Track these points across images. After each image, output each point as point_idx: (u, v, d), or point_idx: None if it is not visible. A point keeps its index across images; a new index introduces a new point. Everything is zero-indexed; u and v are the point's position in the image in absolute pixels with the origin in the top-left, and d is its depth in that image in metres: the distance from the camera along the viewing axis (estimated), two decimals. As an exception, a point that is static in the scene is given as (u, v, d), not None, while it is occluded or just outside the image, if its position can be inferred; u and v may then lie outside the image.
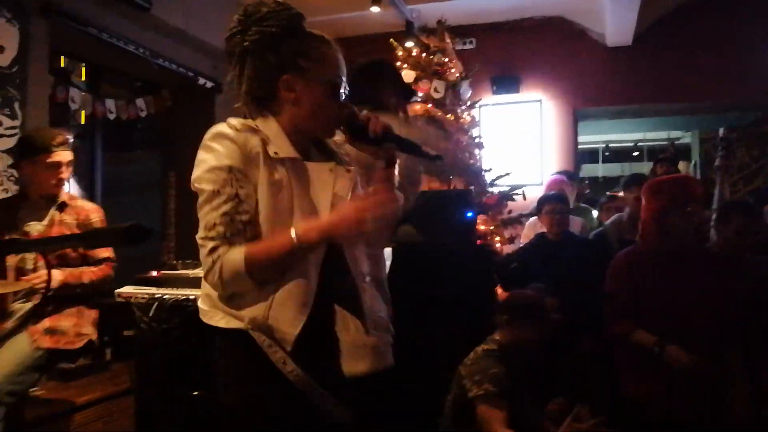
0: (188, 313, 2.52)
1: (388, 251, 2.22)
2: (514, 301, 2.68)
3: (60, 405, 3.12)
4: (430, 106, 4.35)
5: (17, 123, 3.49)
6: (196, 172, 1.38)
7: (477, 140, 4.63)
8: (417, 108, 4.22)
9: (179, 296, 2.64)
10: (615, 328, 2.53)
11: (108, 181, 4.78)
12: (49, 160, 2.66)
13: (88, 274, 2.75)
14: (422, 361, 2.59)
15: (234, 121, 1.42)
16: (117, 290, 2.78)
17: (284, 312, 1.37)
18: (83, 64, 4.72)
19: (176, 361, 2.58)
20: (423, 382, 2.51)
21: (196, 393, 2.52)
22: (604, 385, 2.80)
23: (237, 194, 1.35)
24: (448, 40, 4.60)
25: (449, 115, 4.41)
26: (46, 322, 2.63)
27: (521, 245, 4.09)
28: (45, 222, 2.71)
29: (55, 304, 2.66)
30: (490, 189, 4.51)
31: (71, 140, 2.78)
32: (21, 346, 2.54)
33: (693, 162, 8.94)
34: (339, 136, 1.59)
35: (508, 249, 4.35)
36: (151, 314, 2.62)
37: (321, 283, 1.42)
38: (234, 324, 1.38)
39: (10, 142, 3.42)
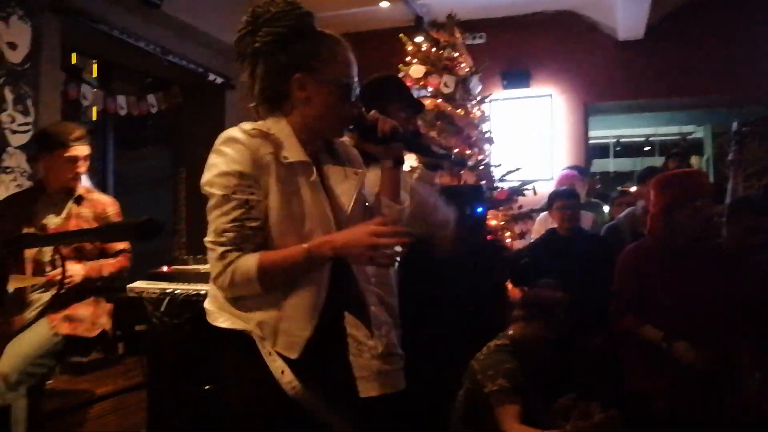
0: (199, 308, 2.49)
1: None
2: (534, 298, 2.65)
3: (74, 398, 3.15)
4: (439, 101, 4.34)
5: (30, 120, 3.52)
6: (207, 176, 1.37)
7: (487, 135, 4.62)
8: (427, 103, 4.21)
9: (190, 291, 2.66)
10: (622, 322, 2.52)
11: (119, 177, 4.82)
12: (67, 154, 2.70)
13: (108, 267, 2.80)
14: (432, 355, 2.59)
15: (247, 125, 1.41)
16: (129, 285, 2.80)
17: (295, 317, 1.38)
18: (94, 61, 4.75)
19: (187, 356, 2.60)
20: (433, 377, 2.51)
21: (207, 387, 2.54)
22: (613, 380, 2.79)
23: (247, 200, 1.35)
24: (457, 35, 4.58)
25: (459, 110, 4.40)
26: (65, 310, 2.69)
27: (532, 240, 4.08)
28: (62, 215, 2.75)
29: (72, 295, 2.71)
30: (501, 184, 4.50)
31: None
32: (40, 332, 2.60)
33: (705, 157, 8.87)
34: (344, 137, 1.59)
35: (518, 244, 4.35)
36: (162, 309, 2.64)
37: (330, 289, 1.42)
38: (238, 326, 1.39)
39: (24, 139, 3.46)
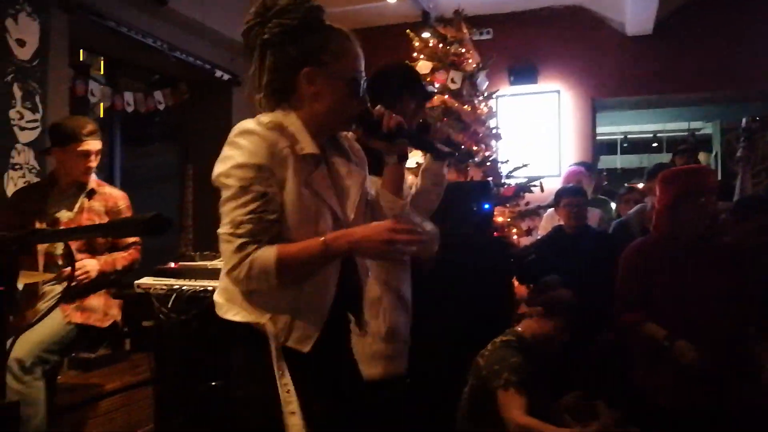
0: (206, 304, 2.54)
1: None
2: (550, 297, 2.63)
3: (82, 393, 3.17)
4: (446, 97, 4.33)
5: (38, 116, 3.54)
6: (222, 168, 1.36)
7: (494, 131, 4.60)
8: (434, 99, 4.20)
9: (197, 287, 2.67)
10: (625, 317, 2.52)
11: (126, 174, 4.84)
12: (80, 148, 2.73)
13: (121, 260, 2.85)
14: (438, 352, 2.59)
15: (264, 117, 1.41)
16: (136, 281, 2.82)
17: (309, 311, 1.39)
18: (102, 58, 4.76)
19: (194, 352, 2.61)
20: (439, 373, 2.51)
21: (213, 383, 2.55)
22: (619, 378, 2.78)
23: (265, 192, 1.34)
24: (465, 31, 4.56)
25: (466, 106, 4.38)
26: (77, 301, 2.74)
27: (539, 237, 4.07)
28: (74, 209, 2.79)
29: (85, 288, 2.75)
30: (508, 180, 4.49)
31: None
32: (54, 320, 2.63)
33: (714, 153, 8.81)
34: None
35: (525, 241, 4.33)
36: (169, 305, 2.65)
37: (339, 284, 1.44)
38: (249, 319, 1.39)
39: (32, 135, 3.47)
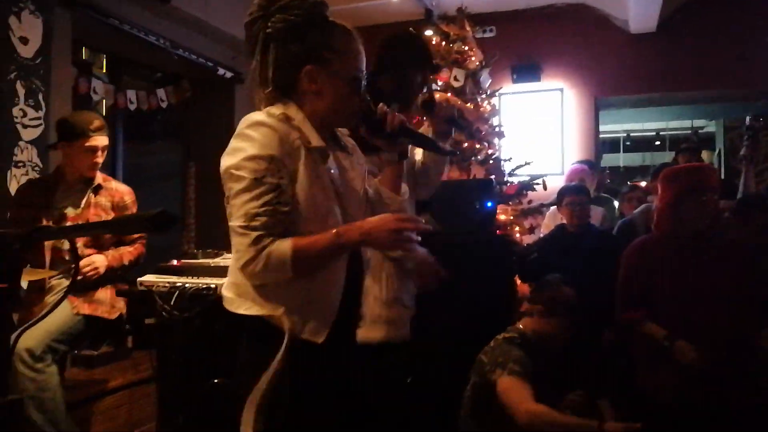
0: (209, 301, 2.54)
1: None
2: (553, 295, 2.61)
3: (84, 390, 3.17)
4: (449, 95, 4.32)
5: (41, 114, 3.54)
6: (232, 160, 1.35)
7: (497, 129, 4.60)
8: (437, 97, 4.19)
9: (200, 285, 2.66)
10: (626, 315, 2.51)
11: (128, 172, 4.83)
12: (87, 144, 2.75)
13: (127, 255, 2.89)
14: (440, 350, 2.59)
15: (274, 110, 1.41)
16: (139, 279, 2.82)
17: (322, 301, 1.40)
18: (104, 56, 4.76)
19: (197, 349, 2.61)
20: (440, 371, 2.51)
21: (216, 381, 2.55)
22: (622, 376, 2.78)
23: (278, 184, 1.34)
24: (467, 29, 4.56)
25: (469, 104, 4.38)
26: (85, 294, 2.77)
27: (542, 235, 4.06)
28: (81, 205, 2.82)
29: (92, 283, 2.78)
30: (510, 178, 4.48)
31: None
32: (62, 311, 2.66)
33: (717, 151, 8.79)
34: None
35: (528, 239, 4.33)
36: (172, 303, 2.65)
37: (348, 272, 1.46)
38: (262, 312, 1.39)
39: (35, 133, 3.48)
